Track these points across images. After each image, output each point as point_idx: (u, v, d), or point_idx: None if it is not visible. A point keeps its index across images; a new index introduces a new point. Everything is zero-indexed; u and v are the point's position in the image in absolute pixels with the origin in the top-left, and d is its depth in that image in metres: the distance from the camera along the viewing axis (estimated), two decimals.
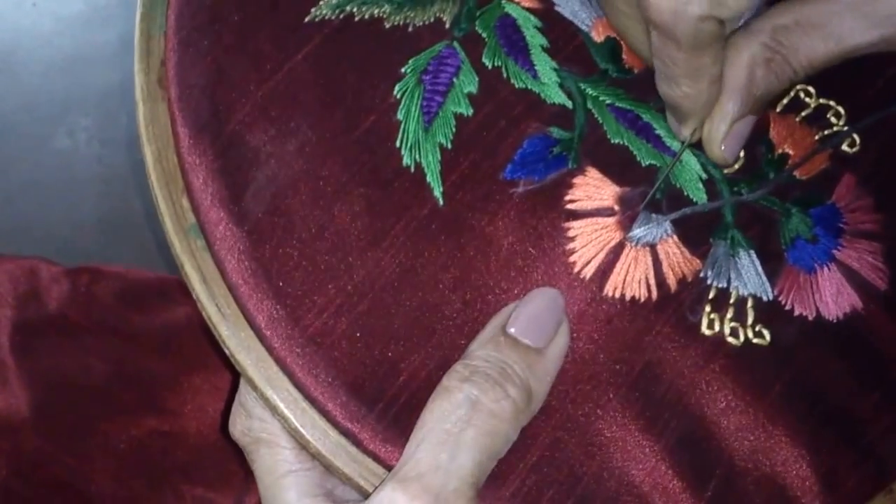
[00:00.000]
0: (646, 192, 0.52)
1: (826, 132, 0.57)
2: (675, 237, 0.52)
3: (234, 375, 0.50)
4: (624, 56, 0.55)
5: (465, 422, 0.44)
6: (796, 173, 0.55)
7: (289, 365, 0.47)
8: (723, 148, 0.53)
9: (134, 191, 0.84)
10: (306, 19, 0.51)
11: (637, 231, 0.52)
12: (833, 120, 0.57)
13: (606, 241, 0.52)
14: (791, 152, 0.56)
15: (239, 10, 0.51)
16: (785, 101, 0.57)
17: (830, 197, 0.56)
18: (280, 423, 0.48)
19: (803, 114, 0.57)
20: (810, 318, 0.53)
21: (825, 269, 0.54)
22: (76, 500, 0.74)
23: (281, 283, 0.47)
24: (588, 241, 0.51)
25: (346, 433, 0.47)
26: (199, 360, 0.77)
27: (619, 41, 0.55)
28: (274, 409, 0.47)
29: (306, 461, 0.49)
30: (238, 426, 0.50)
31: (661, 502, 0.49)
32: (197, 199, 0.47)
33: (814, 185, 0.55)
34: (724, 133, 0.53)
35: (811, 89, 0.57)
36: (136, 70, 0.49)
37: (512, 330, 0.47)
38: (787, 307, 0.53)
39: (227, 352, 0.47)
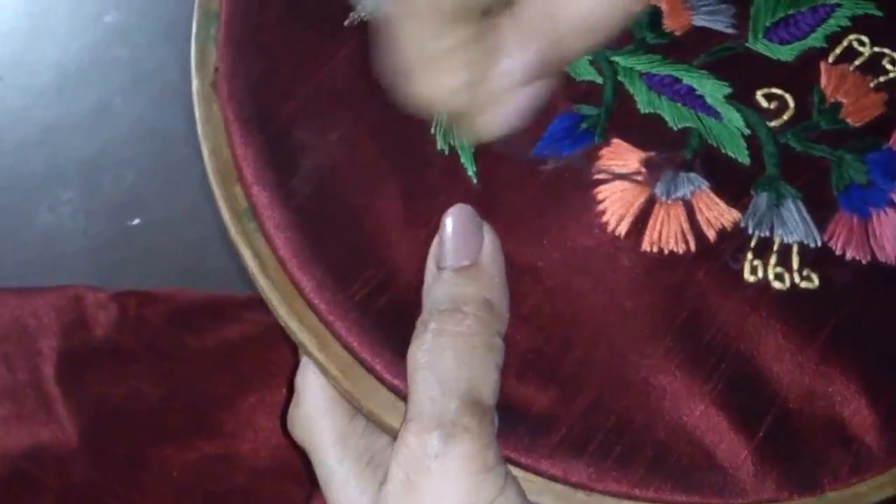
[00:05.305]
0: (672, 154, 0.53)
1: (882, 79, 0.55)
2: (708, 191, 0.52)
3: (290, 383, 0.52)
4: (665, 21, 0.55)
5: (438, 351, 0.45)
6: (849, 120, 0.54)
7: (336, 329, 0.48)
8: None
9: (123, 262, 0.79)
10: (346, 23, 0.54)
11: (664, 186, 0.52)
12: (889, 67, 0.56)
13: (634, 197, 0.52)
14: (844, 101, 0.55)
15: (281, 22, 0.54)
16: (838, 51, 0.56)
17: (887, 142, 0.54)
18: (332, 384, 0.49)
19: (857, 62, 0.56)
20: (864, 261, 0.52)
21: (881, 213, 0.53)
22: None
23: (327, 256, 0.49)
24: (616, 201, 0.52)
25: (393, 389, 0.48)
26: (255, 379, 0.75)
27: (660, 8, 0.55)
28: (323, 370, 0.49)
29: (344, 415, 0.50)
30: (292, 422, 0.52)
31: (712, 444, 0.48)
32: (248, 186, 0.50)
33: (868, 130, 0.54)
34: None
35: (864, 38, 0.56)
36: (192, 75, 0.53)
37: (446, 265, 0.48)
38: (838, 252, 0.52)
39: (280, 322, 0.50)
